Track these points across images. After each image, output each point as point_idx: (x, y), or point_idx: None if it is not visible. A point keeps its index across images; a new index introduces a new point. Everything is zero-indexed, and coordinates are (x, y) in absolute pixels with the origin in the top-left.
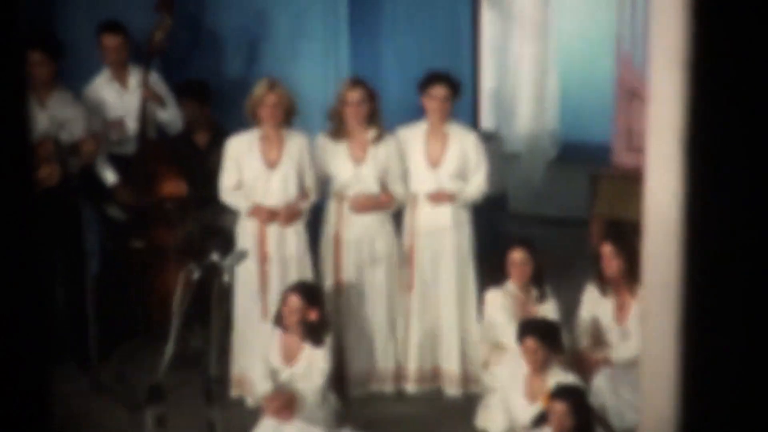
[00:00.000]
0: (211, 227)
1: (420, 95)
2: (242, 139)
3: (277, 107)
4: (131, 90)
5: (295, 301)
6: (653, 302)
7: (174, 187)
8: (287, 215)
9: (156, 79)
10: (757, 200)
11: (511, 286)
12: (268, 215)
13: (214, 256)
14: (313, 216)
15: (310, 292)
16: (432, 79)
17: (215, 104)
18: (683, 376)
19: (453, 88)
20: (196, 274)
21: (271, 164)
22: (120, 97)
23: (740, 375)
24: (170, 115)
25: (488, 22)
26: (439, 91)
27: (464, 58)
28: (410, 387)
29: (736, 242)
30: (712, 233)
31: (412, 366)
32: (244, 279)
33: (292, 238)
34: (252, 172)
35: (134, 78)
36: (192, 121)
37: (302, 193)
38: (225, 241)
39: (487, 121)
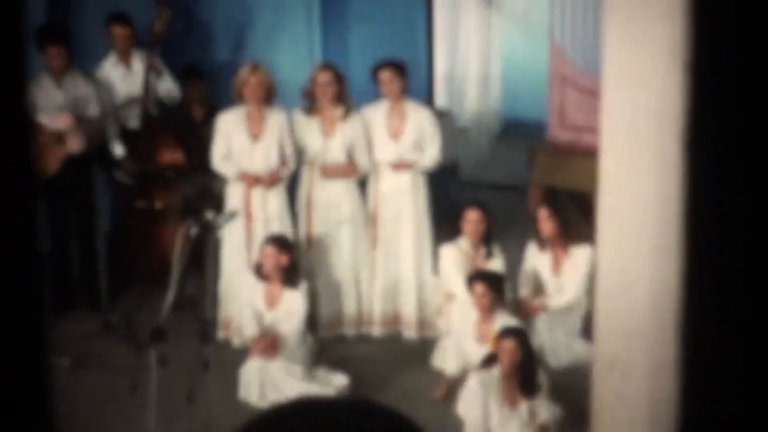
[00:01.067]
0: (205, 190)
1: (372, 80)
2: (230, 115)
3: (259, 87)
4: (134, 72)
5: (269, 249)
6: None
7: (173, 156)
8: (269, 181)
9: (156, 59)
10: (758, 200)
11: (464, 242)
12: (253, 180)
13: (209, 215)
14: (292, 181)
15: (280, 240)
16: (378, 65)
17: (214, 79)
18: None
19: (397, 70)
20: (193, 231)
21: (255, 137)
22: (125, 78)
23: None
24: (168, 85)
25: (440, 15)
26: (384, 74)
27: (420, 47)
28: (375, 330)
29: (736, 242)
30: (712, 233)
31: (376, 311)
32: (232, 235)
33: (274, 200)
34: (239, 144)
35: (137, 62)
36: (193, 99)
37: (282, 161)
38: (217, 202)
39: (440, 100)
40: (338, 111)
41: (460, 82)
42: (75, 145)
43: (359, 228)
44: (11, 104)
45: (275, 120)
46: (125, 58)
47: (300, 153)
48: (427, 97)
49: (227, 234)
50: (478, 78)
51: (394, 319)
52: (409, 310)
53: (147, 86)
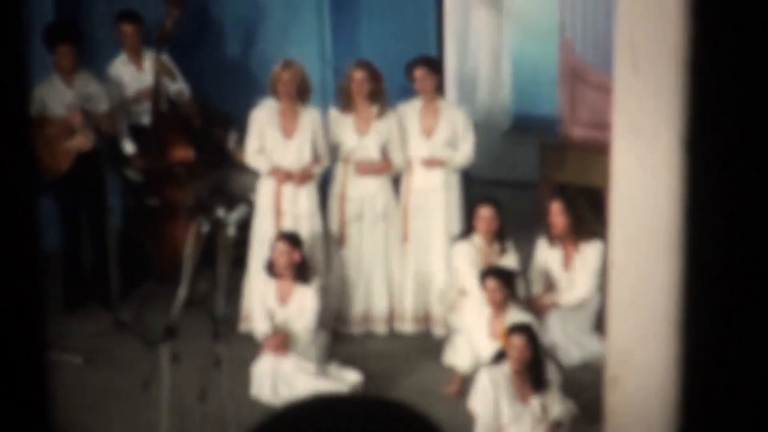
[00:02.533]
0: (216, 187)
1: (407, 78)
2: (264, 111)
3: (290, 83)
4: (145, 70)
5: (281, 245)
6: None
7: (183, 153)
8: (301, 177)
9: (166, 58)
10: (758, 200)
11: (477, 239)
12: (284, 176)
13: (220, 212)
14: (323, 179)
15: (292, 237)
16: (412, 63)
17: (216, 82)
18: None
19: (431, 68)
20: (204, 228)
21: (288, 134)
22: (135, 77)
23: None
24: (179, 87)
25: (451, 12)
26: (418, 72)
27: (431, 44)
28: (406, 326)
29: (736, 243)
30: (712, 233)
31: (408, 308)
32: (261, 230)
33: (305, 197)
34: (271, 140)
35: (148, 60)
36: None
37: (315, 159)
38: (229, 199)
39: (450, 96)
40: (374, 108)
41: (470, 79)
42: (85, 142)
43: (391, 224)
44: (12, 102)
45: (308, 117)
46: (136, 57)
47: (334, 150)
48: (437, 93)
49: (256, 229)
50: (488, 74)
51: (424, 316)
52: (439, 308)
53: (157, 83)
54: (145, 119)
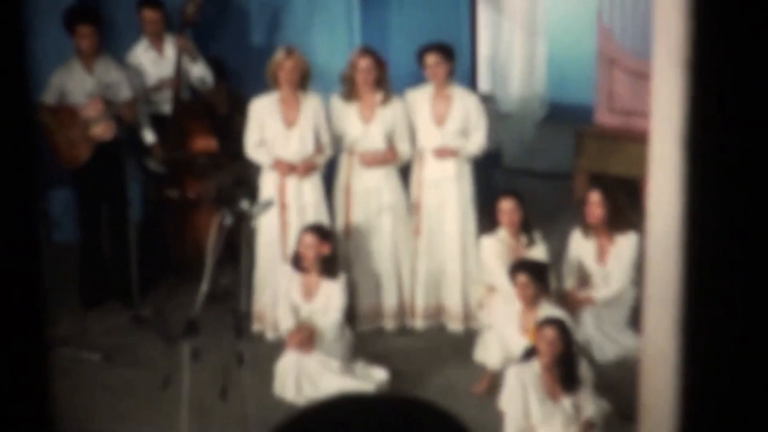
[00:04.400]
0: (239, 179)
1: (418, 64)
2: (264, 101)
3: (293, 71)
4: (167, 58)
5: (309, 238)
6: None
7: (205, 143)
8: (304, 168)
9: (189, 40)
10: (758, 200)
11: (503, 233)
12: (287, 168)
13: (244, 205)
14: (328, 168)
15: (321, 229)
16: (424, 48)
17: (240, 70)
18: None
19: (443, 54)
20: (227, 220)
21: (290, 124)
22: (157, 63)
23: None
24: (202, 71)
25: None
26: (430, 58)
27: (463, 29)
28: (417, 322)
29: (736, 242)
30: (712, 233)
31: (419, 303)
32: (266, 225)
33: (309, 189)
34: (273, 130)
35: (169, 47)
36: (214, 100)
37: (318, 148)
38: (252, 191)
39: (483, 84)
40: (378, 96)
41: (503, 66)
42: (106, 131)
43: (400, 217)
44: (14, 97)
45: (310, 105)
46: (157, 43)
47: (338, 140)
48: (469, 81)
49: (262, 224)
50: (522, 61)
51: (437, 311)
52: (453, 302)
53: (179, 69)
54: (167, 108)
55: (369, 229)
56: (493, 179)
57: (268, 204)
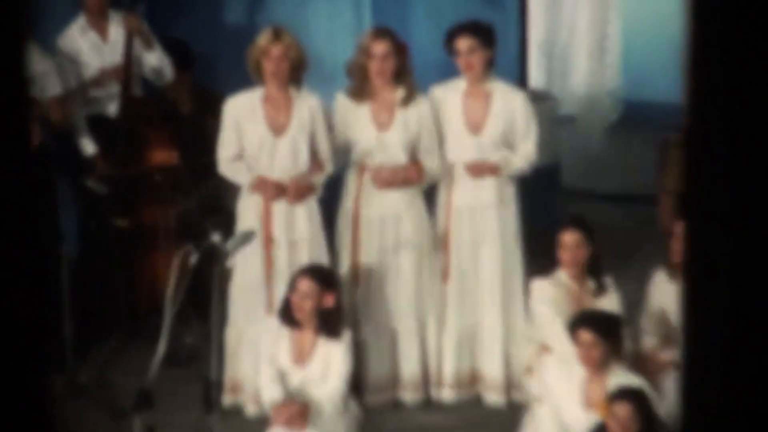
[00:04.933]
0: (210, 203)
1: (447, 52)
2: (243, 101)
3: (283, 60)
4: (112, 42)
5: (307, 285)
6: None
7: (164, 155)
8: (296, 190)
9: (142, 22)
10: (758, 201)
11: (563, 275)
12: (274, 190)
13: (215, 238)
14: (329, 190)
15: (323, 274)
16: (454, 31)
17: (211, 60)
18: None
19: (480, 37)
20: (193, 259)
21: (278, 130)
22: (98, 49)
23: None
24: (159, 59)
25: None
26: (462, 43)
27: (509, 5)
28: (445, 394)
29: (736, 243)
30: (712, 233)
31: (447, 369)
32: (245, 266)
33: (303, 218)
34: (255, 139)
35: (115, 28)
36: (177, 91)
37: (315, 163)
38: (227, 220)
39: (536, 78)
40: (398, 93)
41: (563, 54)
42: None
43: (424, 255)
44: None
45: (305, 106)
46: (99, 22)
47: (343, 152)
48: (517, 75)
49: (239, 264)
50: (589, 48)
51: (470, 379)
52: (493, 367)
53: (128, 57)
54: (112, 108)
55: (383, 271)
56: (549, 204)
57: (247, 237)
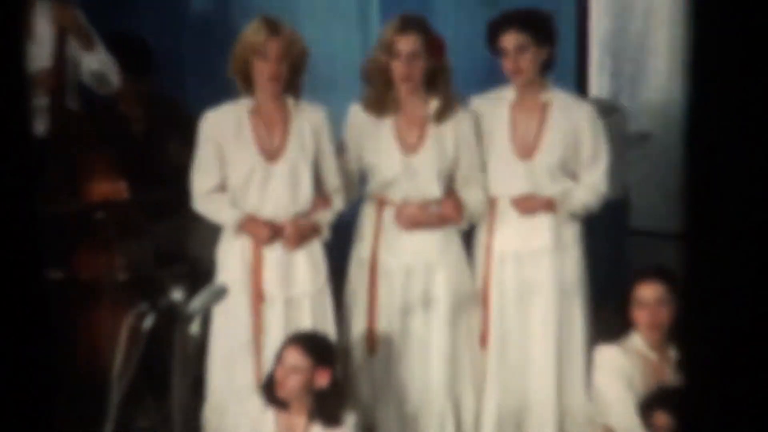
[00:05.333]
0: (170, 250)
1: (490, 51)
2: (225, 116)
3: (281, 61)
4: (38, 40)
5: (295, 357)
6: None
7: (109, 186)
8: (296, 232)
9: (79, 13)
10: (759, 201)
11: (638, 340)
12: (266, 232)
13: (176, 295)
14: (337, 232)
15: (317, 344)
16: (498, 23)
17: (172, 62)
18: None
19: (533, 31)
20: (147, 322)
21: (272, 154)
22: None
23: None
24: (100, 63)
25: None
26: (509, 39)
27: None
28: None
29: (736, 243)
30: (712, 233)
31: None
32: (228, 329)
33: (304, 268)
34: (242, 166)
35: (43, 23)
36: (127, 98)
37: (320, 197)
38: (192, 271)
39: (599, 86)
40: (432, 105)
41: (636, 55)
42: None
43: (460, 315)
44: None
45: (307, 121)
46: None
47: (358, 181)
48: (574, 80)
49: (220, 327)
50: (669, 45)
51: None
52: None
53: (60, 59)
54: (41, 127)
55: (408, 337)
56: (616, 247)
57: (218, 294)
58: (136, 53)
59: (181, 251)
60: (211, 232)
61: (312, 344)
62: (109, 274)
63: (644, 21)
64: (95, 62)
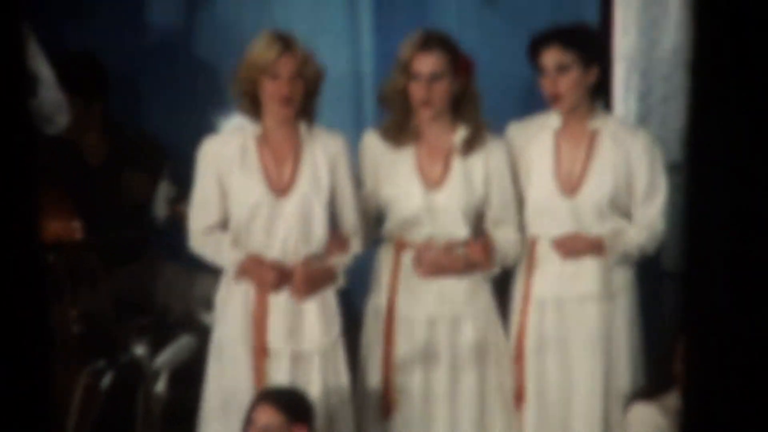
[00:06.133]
0: (132, 299)
1: (534, 67)
2: (228, 144)
3: (296, 82)
4: None
5: (267, 416)
6: None
7: (60, 225)
8: (307, 277)
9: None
10: (759, 201)
11: (677, 399)
12: (273, 276)
13: (139, 350)
14: (355, 275)
15: (290, 399)
16: (539, 40)
17: (134, 83)
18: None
19: (576, 48)
20: (105, 380)
21: (281, 188)
22: None
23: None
24: (48, 95)
25: None
26: (550, 57)
27: (585, 2)
28: None
29: (737, 243)
30: (712, 234)
31: None
32: (226, 387)
33: (315, 319)
34: (247, 201)
35: None
36: (84, 123)
37: (336, 238)
38: (157, 322)
39: (625, 108)
40: (458, 134)
41: (667, 74)
42: None
43: (490, 373)
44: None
45: (323, 150)
46: None
47: (376, 219)
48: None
49: (215, 382)
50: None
51: None
52: None
53: None
54: None
55: (430, 396)
56: (657, 295)
57: (186, 349)
58: (88, 74)
59: (144, 300)
60: (181, 277)
61: (285, 400)
62: (61, 327)
63: (677, 35)
64: (41, 105)
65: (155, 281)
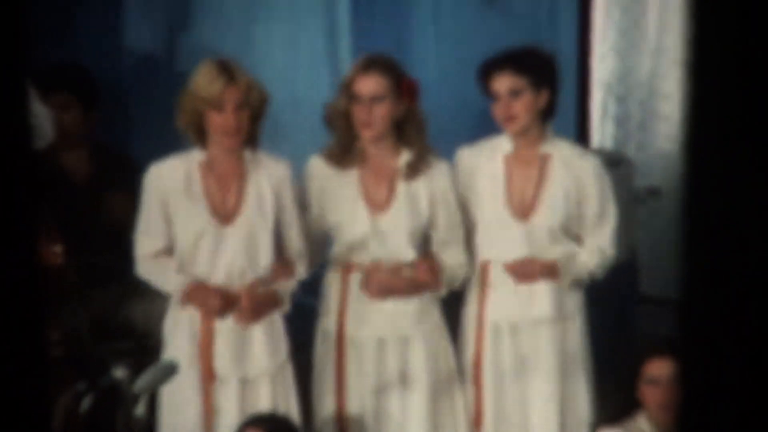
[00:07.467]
0: (112, 322)
1: (484, 92)
2: (172, 170)
3: (241, 112)
4: None
5: None
6: None
7: (43, 249)
8: (253, 303)
9: None
10: (759, 201)
11: (644, 423)
12: (218, 302)
13: (118, 373)
14: (301, 302)
15: (278, 426)
16: (490, 64)
17: (115, 104)
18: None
19: (530, 72)
20: (85, 403)
21: (226, 215)
22: None
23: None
24: (33, 105)
25: None
26: (501, 81)
27: (562, 28)
28: None
29: (736, 243)
30: (712, 234)
31: None
32: (176, 412)
33: (261, 344)
34: (191, 227)
35: None
36: (62, 141)
37: (281, 263)
38: (137, 345)
39: (602, 135)
40: (403, 157)
41: (644, 99)
42: None
43: (444, 394)
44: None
45: (267, 177)
46: None
47: (320, 243)
48: (575, 128)
49: (167, 409)
50: (681, 91)
51: None
52: None
53: None
54: None
55: (383, 418)
56: (623, 317)
57: (167, 371)
58: (78, 84)
59: (124, 323)
60: (161, 301)
61: (272, 427)
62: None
63: (654, 60)
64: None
65: (135, 305)
